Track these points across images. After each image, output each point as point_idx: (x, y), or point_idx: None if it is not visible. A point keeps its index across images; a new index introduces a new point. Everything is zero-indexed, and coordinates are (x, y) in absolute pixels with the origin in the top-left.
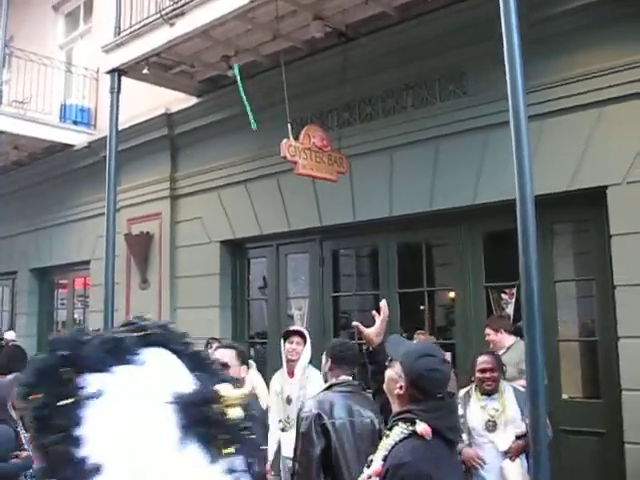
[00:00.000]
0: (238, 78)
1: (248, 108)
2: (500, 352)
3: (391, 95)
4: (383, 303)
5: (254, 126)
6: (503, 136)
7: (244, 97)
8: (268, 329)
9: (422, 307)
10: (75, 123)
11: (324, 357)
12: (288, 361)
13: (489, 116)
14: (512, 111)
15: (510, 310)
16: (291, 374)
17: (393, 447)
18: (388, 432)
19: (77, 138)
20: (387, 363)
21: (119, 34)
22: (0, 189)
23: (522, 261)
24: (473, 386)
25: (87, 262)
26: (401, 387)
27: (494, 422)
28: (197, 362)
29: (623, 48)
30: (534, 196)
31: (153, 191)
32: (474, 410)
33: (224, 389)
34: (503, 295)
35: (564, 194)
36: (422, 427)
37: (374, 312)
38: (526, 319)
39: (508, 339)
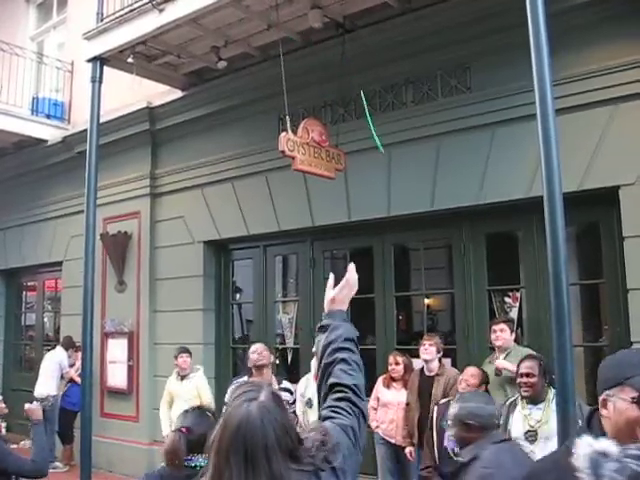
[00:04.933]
0: (365, 104)
1: (374, 133)
2: (501, 356)
3: (390, 90)
4: (350, 266)
5: (381, 150)
6: (510, 133)
7: (371, 123)
8: (253, 334)
9: (420, 311)
10: (48, 117)
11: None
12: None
13: (495, 113)
14: (539, 104)
15: (514, 314)
16: (316, 377)
17: None
18: None
19: (50, 133)
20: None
21: (102, 20)
22: None
23: (551, 262)
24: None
25: (59, 263)
26: None
27: (535, 432)
28: None
29: (635, 45)
30: (562, 193)
31: (132, 189)
32: (517, 418)
33: None
34: (506, 299)
35: (574, 194)
36: None
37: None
38: (556, 323)
39: (511, 343)
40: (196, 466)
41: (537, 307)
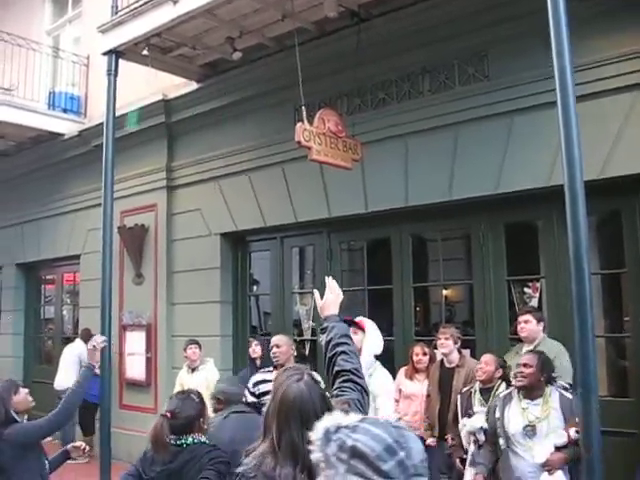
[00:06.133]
0: None
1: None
2: (526, 348)
3: (406, 79)
4: (329, 280)
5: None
6: (529, 121)
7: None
8: (271, 326)
9: (439, 302)
10: (64, 111)
11: None
12: None
13: (513, 101)
14: (559, 91)
15: (534, 305)
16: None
17: None
18: None
19: (67, 127)
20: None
21: (117, 13)
22: None
23: (572, 251)
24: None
25: (77, 257)
26: None
27: (533, 427)
28: None
29: None
30: (583, 182)
31: (148, 181)
32: (514, 412)
33: None
34: (526, 289)
35: (595, 182)
36: None
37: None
38: (577, 314)
39: (540, 334)
40: (183, 444)
41: (558, 297)
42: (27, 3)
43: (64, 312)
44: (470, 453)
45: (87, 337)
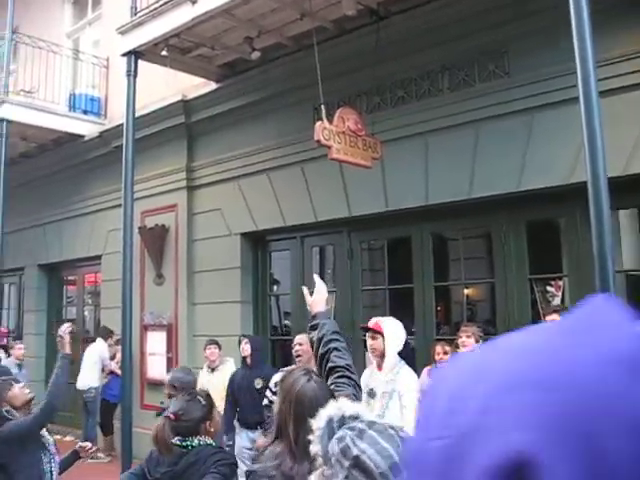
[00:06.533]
0: None
1: None
2: None
3: (426, 77)
4: (316, 278)
5: None
6: (550, 118)
7: None
8: (292, 325)
9: (460, 301)
10: (85, 113)
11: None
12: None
13: (534, 97)
14: (582, 86)
15: (557, 304)
16: (379, 367)
17: None
18: None
19: (87, 128)
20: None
21: (136, 14)
22: (7, 182)
23: (596, 249)
24: None
25: (98, 257)
26: None
27: None
28: None
29: None
30: (607, 178)
31: (169, 182)
32: None
33: None
34: (549, 287)
35: (619, 179)
36: None
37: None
38: None
39: None
40: (188, 446)
41: (581, 296)
42: (47, 6)
43: (86, 312)
44: None
45: (106, 334)
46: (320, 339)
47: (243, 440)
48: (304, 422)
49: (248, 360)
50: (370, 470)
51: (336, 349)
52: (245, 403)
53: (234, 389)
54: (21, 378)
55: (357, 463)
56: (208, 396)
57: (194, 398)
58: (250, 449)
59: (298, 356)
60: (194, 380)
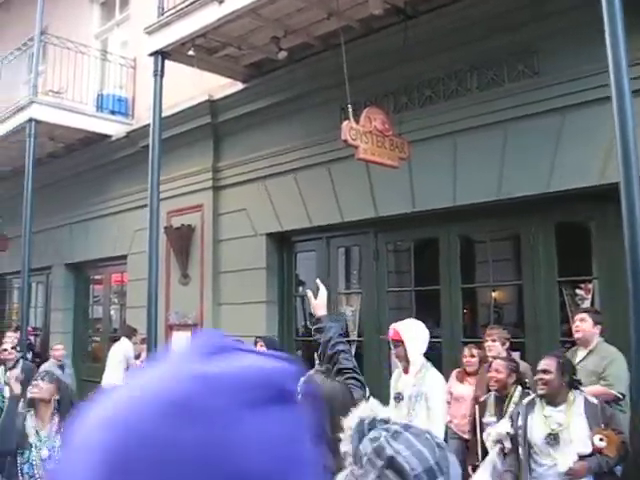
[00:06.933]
0: None
1: None
2: (584, 351)
3: (454, 77)
4: (317, 282)
5: None
6: (581, 118)
7: None
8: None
9: (487, 304)
10: (112, 113)
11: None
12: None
13: (564, 97)
14: (614, 85)
15: (586, 306)
16: (405, 371)
17: None
18: None
19: (114, 128)
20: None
21: (163, 14)
22: (35, 182)
23: (629, 251)
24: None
25: (124, 257)
26: None
27: (555, 436)
28: None
29: None
30: None
31: (195, 182)
32: (537, 421)
33: None
34: (578, 291)
35: None
36: None
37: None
38: (634, 317)
39: (595, 337)
40: None
41: (611, 299)
42: (76, 8)
43: (112, 312)
44: (489, 461)
45: (129, 332)
46: (327, 341)
47: None
48: (339, 422)
49: None
50: (405, 471)
51: (343, 351)
52: None
53: None
54: (67, 379)
55: (391, 463)
56: None
57: None
58: None
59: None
60: None
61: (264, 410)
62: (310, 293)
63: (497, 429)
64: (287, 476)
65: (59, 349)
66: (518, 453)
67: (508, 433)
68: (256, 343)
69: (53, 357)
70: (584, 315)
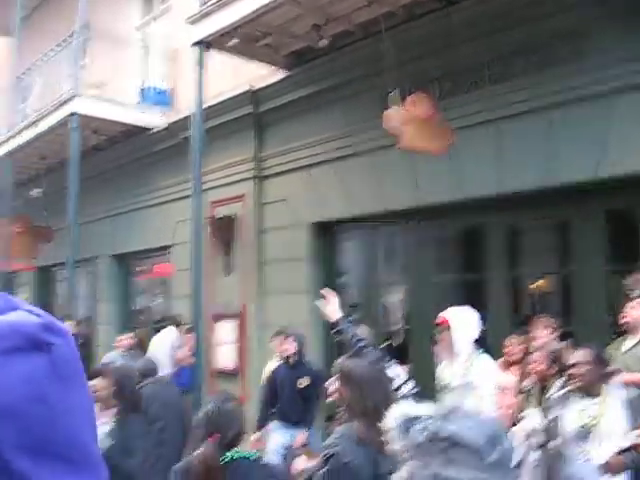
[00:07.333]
0: None
1: None
2: (634, 339)
3: (499, 62)
4: (323, 291)
5: None
6: (632, 101)
7: None
8: (361, 318)
9: (533, 293)
10: (154, 105)
11: None
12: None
13: (614, 80)
14: None
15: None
16: (452, 361)
17: None
18: None
19: (156, 120)
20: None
21: (205, 4)
22: (80, 174)
23: None
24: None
25: (166, 248)
26: None
27: (588, 429)
28: None
29: None
30: None
31: (237, 172)
32: (570, 414)
33: None
34: (627, 280)
35: None
36: None
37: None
38: None
39: None
40: (232, 457)
41: None
42: (117, 1)
43: (155, 302)
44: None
45: (177, 321)
46: (351, 339)
47: (282, 436)
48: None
49: (291, 359)
50: (470, 444)
51: (365, 347)
52: (287, 399)
53: (275, 387)
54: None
55: (454, 441)
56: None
57: (231, 408)
58: (287, 447)
59: None
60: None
61: (10, 355)
62: (320, 304)
63: (529, 422)
64: (29, 414)
65: (124, 339)
66: (549, 447)
67: (536, 428)
68: (286, 337)
69: (120, 348)
70: (634, 303)
